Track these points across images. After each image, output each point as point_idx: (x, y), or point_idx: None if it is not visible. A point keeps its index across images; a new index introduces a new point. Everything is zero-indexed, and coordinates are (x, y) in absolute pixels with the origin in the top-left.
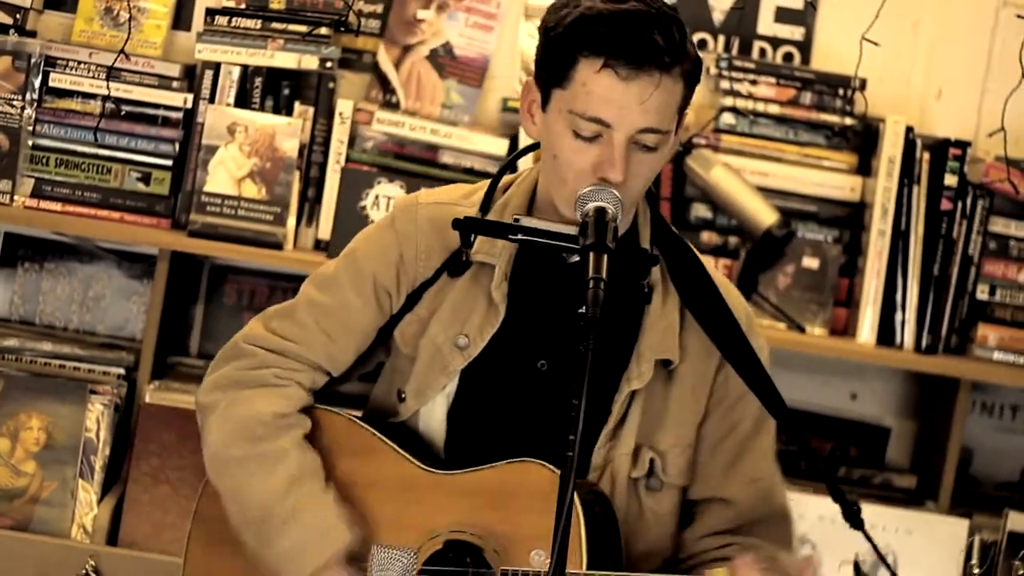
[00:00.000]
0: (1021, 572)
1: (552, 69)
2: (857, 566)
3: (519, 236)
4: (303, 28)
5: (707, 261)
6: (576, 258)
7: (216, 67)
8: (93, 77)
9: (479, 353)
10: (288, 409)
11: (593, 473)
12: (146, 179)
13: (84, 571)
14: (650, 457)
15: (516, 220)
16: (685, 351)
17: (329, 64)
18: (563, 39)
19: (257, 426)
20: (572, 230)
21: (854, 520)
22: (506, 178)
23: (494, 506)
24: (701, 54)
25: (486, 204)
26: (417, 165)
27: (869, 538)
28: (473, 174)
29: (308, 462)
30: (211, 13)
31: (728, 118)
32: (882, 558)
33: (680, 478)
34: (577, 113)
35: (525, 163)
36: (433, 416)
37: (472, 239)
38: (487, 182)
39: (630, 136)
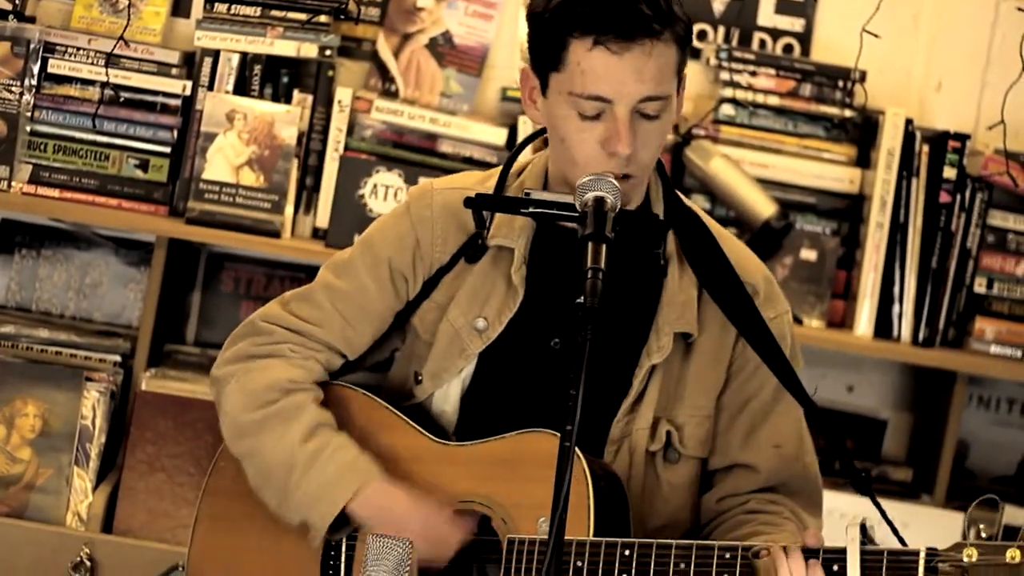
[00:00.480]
0: (1014, 555)
1: (545, 54)
2: (864, 527)
3: (531, 210)
4: (302, 16)
5: (722, 231)
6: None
7: (215, 54)
8: (92, 63)
9: (496, 336)
10: (304, 378)
11: (611, 447)
12: (144, 166)
13: (79, 558)
14: (667, 430)
15: (527, 194)
16: (703, 323)
17: (328, 52)
18: (552, 23)
19: (272, 390)
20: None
21: (863, 487)
22: (518, 163)
23: (502, 476)
24: (701, 45)
25: (499, 188)
26: (416, 154)
27: (877, 504)
28: (472, 163)
29: (324, 415)
30: (210, 0)
31: (727, 109)
32: (891, 524)
33: (698, 449)
34: (576, 94)
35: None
36: (448, 399)
37: (488, 221)
38: (499, 169)
39: (632, 108)
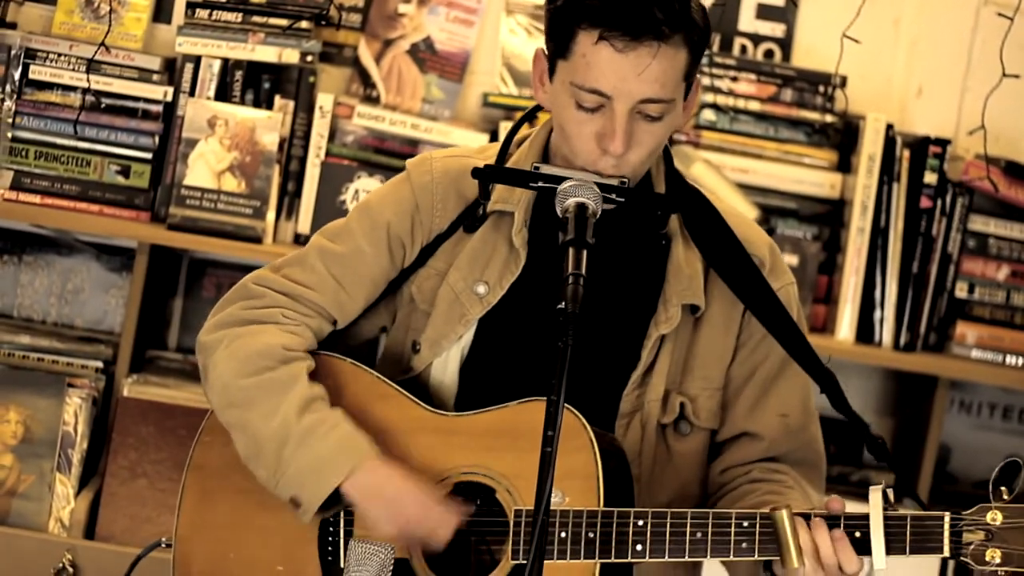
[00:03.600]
0: (994, 517)
1: (556, 41)
2: (885, 493)
3: (539, 184)
4: (284, 22)
5: (725, 205)
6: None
7: (196, 60)
8: (73, 70)
9: (497, 302)
10: (296, 345)
11: (622, 420)
12: (126, 172)
13: (61, 565)
14: (680, 401)
15: (536, 168)
16: (711, 297)
17: (310, 58)
18: (564, 11)
19: (265, 356)
20: (591, 176)
21: (879, 452)
22: (519, 134)
23: (506, 446)
24: None
25: (501, 158)
26: (397, 160)
27: (895, 469)
28: None
29: (318, 388)
30: (192, 6)
31: (709, 114)
32: (914, 495)
33: (710, 421)
34: (578, 85)
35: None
36: (447, 369)
37: (490, 190)
38: (499, 141)
39: (631, 107)
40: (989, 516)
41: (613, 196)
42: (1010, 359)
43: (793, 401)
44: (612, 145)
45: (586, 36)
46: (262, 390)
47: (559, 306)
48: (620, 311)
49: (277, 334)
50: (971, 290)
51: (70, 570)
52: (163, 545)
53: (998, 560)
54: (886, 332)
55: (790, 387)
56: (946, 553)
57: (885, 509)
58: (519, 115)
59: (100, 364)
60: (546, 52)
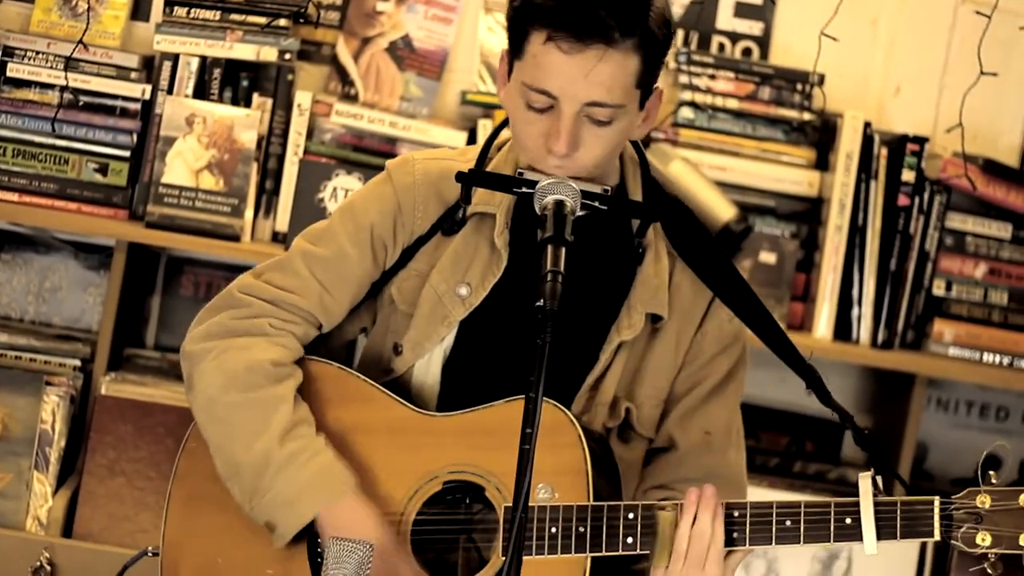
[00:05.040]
0: (983, 500)
1: (512, 41)
2: (874, 480)
3: (523, 189)
4: (262, 20)
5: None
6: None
7: (175, 58)
8: (51, 67)
9: (479, 303)
10: (285, 359)
11: None
12: (103, 170)
13: (39, 563)
14: (626, 407)
15: (520, 173)
16: (672, 309)
17: (288, 56)
18: (518, 11)
19: (254, 374)
20: (574, 182)
21: (866, 443)
22: (500, 138)
23: (493, 444)
24: None
25: (481, 161)
26: (375, 157)
27: (886, 462)
28: None
29: (303, 411)
30: (170, 4)
31: (687, 112)
32: (901, 479)
33: (650, 430)
34: (527, 85)
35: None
36: (428, 371)
37: (471, 194)
38: (479, 144)
39: (577, 109)
40: (978, 500)
41: (596, 204)
42: (987, 357)
43: (719, 422)
44: (556, 145)
45: (537, 36)
46: (247, 410)
47: (537, 303)
48: (584, 313)
49: (265, 348)
50: (949, 288)
51: (48, 568)
52: (150, 554)
53: (988, 542)
54: (864, 330)
55: (720, 408)
56: (936, 537)
57: (875, 495)
58: (497, 113)
59: (78, 362)
60: (507, 52)
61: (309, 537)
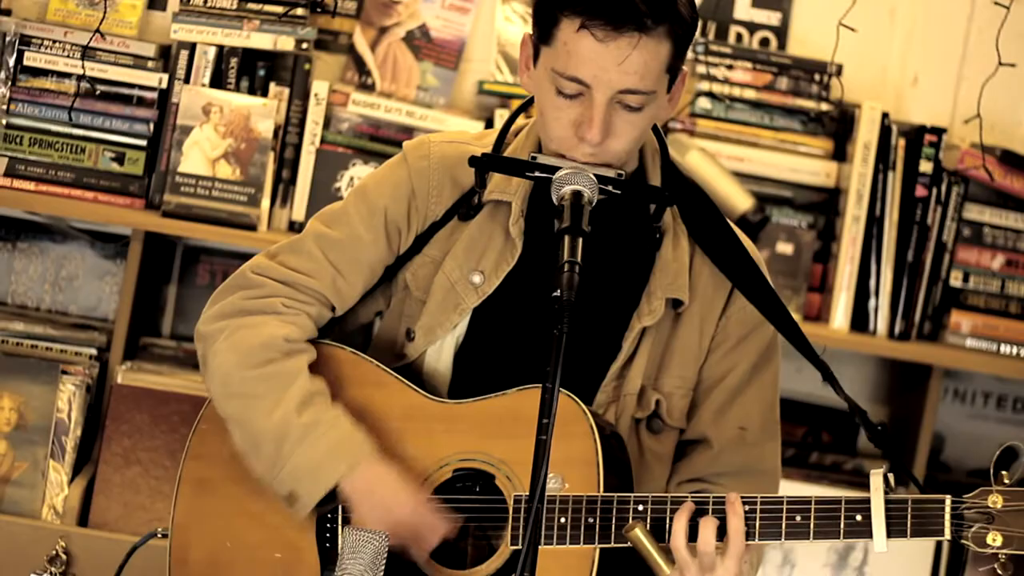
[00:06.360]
0: (995, 500)
1: (540, 27)
2: (886, 477)
3: (536, 173)
4: (279, 9)
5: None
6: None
7: (192, 47)
8: (68, 56)
9: (492, 291)
10: (298, 336)
11: (597, 411)
12: (120, 159)
13: (54, 552)
14: (656, 398)
15: (533, 158)
16: (694, 292)
17: (305, 45)
18: None
19: (268, 349)
20: (588, 168)
21: (880, 440)
22: (516, 124)
23: (504, 432)
24: None
25: (498, 147)
26: (392, 147)
27: (899, 459)
28: None
29: (319, 383)
30: None
31: (704, 103)
32: (913, 477)
33: (681, 421)
34: (559, 72)
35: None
36: (440, 358)
37: (486, 178)
38: (496, 128)
39: (610, 97)
40: (990, 499)
41: (610, 188)
42: (1004, 348)
43: (754, 415)
44: (589, 133)
45: (569, 24)
46: (263, 383)
47: (554, 294)
48: (604, 301)
49: (279, 325)
50: (966, 279)
51: (63, 557)
52: (159, 535)
53: (999, 543)
54: (881, 321)
55: (754, 400)
56: (947, 536)
57: (886, 493)
58: (514, 103)
59: (94, 351)
60: (532, 38)
61: (318, 521)
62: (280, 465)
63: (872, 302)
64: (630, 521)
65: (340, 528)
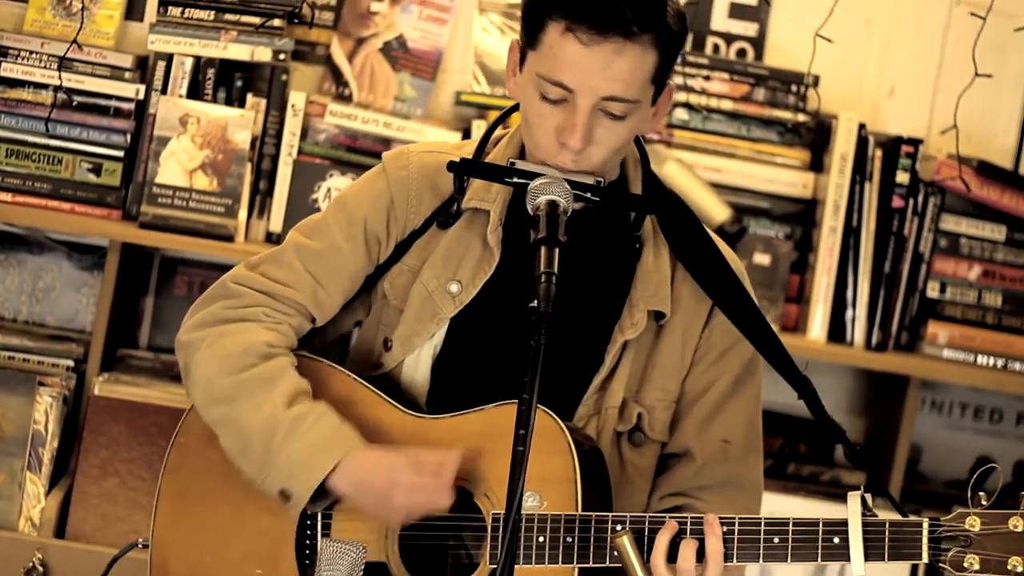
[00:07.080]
0: (1016, 523)
1: (527, 31)
2: (864, 499)
3: (514, 179)
4: (256, 20)
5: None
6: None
7: (169, 58)
8: (45, 67)
9: (470, 300)
10: (279, 342)
11: (578, 424)
12: (97, 170)
13: (31, 564)
14: (638, 412)
15: (512, 164)
16: (676, 304)
17: (282, 56)
18: (536, 1)
19: (250, 354)
20: (569, 174)
21: (858, 459)
22: (496, 134)
23: (482, 449)
24: None
25: (478, 156)
26: (370, 158)
27: (876, 477)
28: None
29: (304, 383)
30: (164, 4)
31: (681, 113)
32: (893, 500)
33: (663, 434)
34: (543, 76)
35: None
36: (418, 368)
37: (465, 186)
38: (475, 138)
39: (593, 103)
40: (968, 522)
41: (588, 195)
42: (981, 359)
43: (738, 428)
44: (571, 139)
45: (554, 27)
46: (247, 386)
47: (531, 305)
48: (586, 313)
49: (259, 331)
50: (943, 290)
51: (40, 569)
52: (140, 546)
53: (977, 567)
54: (858, 332)
55: (738, 412)
56: (924, 560)
57: (864, 515)
58: (492, 114)
59: (71, 363)
60: (519, 42)
61: (297, 536)
62: (271, 462)
63: (849, 313)
64: (619, 528)
65: (319, 543)
